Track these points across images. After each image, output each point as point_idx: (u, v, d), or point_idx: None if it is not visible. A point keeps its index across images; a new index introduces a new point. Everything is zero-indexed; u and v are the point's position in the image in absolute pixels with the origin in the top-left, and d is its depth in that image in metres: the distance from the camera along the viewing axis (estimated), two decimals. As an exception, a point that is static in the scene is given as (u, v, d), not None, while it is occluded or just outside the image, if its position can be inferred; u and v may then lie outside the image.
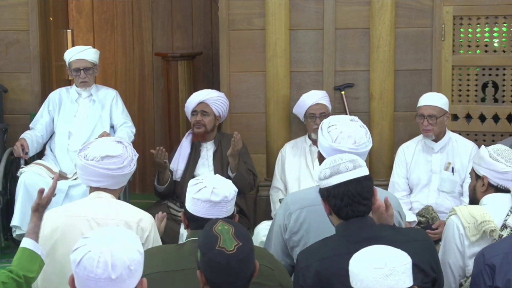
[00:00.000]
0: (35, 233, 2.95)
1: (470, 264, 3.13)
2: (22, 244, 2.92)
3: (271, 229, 3.28)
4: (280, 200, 4.85)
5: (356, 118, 3.26)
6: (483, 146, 3.35)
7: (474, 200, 3.30)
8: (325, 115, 4.94)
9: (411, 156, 4.84)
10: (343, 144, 3.10)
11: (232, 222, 2.40)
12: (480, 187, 3.25)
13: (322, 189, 2.77)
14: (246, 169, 5.03)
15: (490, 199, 3.20)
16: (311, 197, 3.11)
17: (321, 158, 3.21)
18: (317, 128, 4.95)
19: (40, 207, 3.01)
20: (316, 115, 5.02)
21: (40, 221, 3.00)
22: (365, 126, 3.21)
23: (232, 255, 2.30)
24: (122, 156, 3.17)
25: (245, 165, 5.06)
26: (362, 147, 3.11)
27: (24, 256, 2.89)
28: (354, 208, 2.71)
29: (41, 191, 3.03)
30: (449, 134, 4.82)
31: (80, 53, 5.22)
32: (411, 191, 4.85)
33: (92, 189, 3.24)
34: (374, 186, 2.82)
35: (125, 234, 2.13)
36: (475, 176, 3.28)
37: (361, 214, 2.73)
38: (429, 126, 4.69)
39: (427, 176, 4.78)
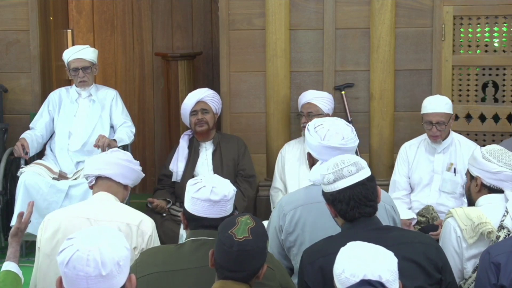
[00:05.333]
0: (16, 257, 3.01)
1: (468, 266, 3.14)
2: (5, 267, 2.97)
3: None
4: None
5: (339, 118, 3.32)
6: (478, 147, 3.35)
7: (470, 201, 3.32)
8: (312, 115, 4.95)
9: (413, 155, 4.83)
10: (332, 140, 3.14)
11: (257, 221, 2.51)
12: (474, 188, 3.26)
13: (327, 194, 2.77)
14: (241, 196, 5.00)
15: (485, 200, 3.20)
16: (304, 196, 3.15)
17: (311, 159, 3.25)
18: (304, 126, 5.02)
19: (19, 231, 3.07)
20: (304, 113, 5.04)
21: (19, 246, 3.06)
22: (349, 124, 3.27)
23: (237, 242, 2.40)
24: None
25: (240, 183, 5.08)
26: (350, 142, 3.16)
27: (9, 278, 2.95)
28: (361, 211, 2.73)
29: (20, 215, 3.08)
30: (452, 135, 4.80)
31: (77, 53, 5.22)
32: (412, 190, 4.85)
33: (95, 190, 3.27)
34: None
35: (110, 232, 2.16)
36: (470, 177, 3.29)
37: (368, 215, 2.74)
38: (438, 133, 4.67)
39: (428, 176, 4.77)
